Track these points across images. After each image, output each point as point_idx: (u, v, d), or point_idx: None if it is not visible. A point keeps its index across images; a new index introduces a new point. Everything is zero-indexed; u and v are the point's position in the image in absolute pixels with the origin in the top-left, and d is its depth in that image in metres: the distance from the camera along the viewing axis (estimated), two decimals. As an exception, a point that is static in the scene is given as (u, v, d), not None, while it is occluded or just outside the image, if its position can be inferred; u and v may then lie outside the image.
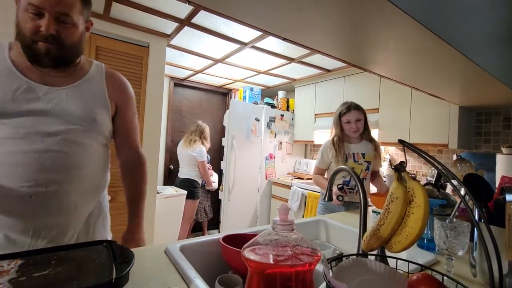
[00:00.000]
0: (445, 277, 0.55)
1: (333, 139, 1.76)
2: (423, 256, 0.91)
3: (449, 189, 1.30)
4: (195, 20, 1.93)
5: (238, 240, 0.89)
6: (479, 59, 0.96)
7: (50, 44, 0.74)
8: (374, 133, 2.79)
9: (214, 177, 3.34)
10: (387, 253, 0.69)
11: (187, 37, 2.25)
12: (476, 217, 0.75)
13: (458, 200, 0.99)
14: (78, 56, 0.84)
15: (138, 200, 1.00)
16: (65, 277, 0.53)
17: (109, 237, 0.96)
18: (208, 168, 3.21)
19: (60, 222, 0.78)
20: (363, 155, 1.75)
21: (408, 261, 0.61)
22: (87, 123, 0.82)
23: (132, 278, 0.59)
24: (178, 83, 3.68)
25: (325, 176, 1.85)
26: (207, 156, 3.44)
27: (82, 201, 0.82)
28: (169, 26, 2.09)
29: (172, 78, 3.59)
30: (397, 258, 0.61)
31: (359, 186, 0.85)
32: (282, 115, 3.47)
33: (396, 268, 0.57)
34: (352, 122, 1.71)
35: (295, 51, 2.43)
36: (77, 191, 0.80)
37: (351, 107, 1.73)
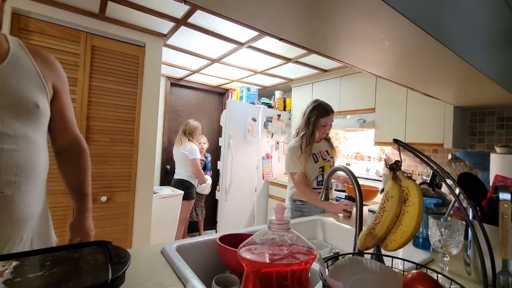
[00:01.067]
0: (439, 275, 0.56)
1: (302, 139, 1.72)
2: (418, 255, 0.92)
3: (444, 188, 1.31)
4: (191, 19, 1.92)
5: (235, 240, 0.89)
6: (473, 59, 0.97)
7: None
8: (370, 133, 2.83)
9: (208, 183, 3.30)
10: (383, 252, 0.69)
11: (184, 36, 2.24)
12: (470, 216, 0.76)
13: (453, 199, 1.00)
14: None
15: (83, 189, 0.91)
16: (60, 278, 0.53)
17: (54, 236, 0.88)
18: (205, 174, 3.20)
19: (15, 227, 0.70)
20: (327, 152, 1.81)
21: (404, 260, 0.61)
22: (30, 112, 0.72)
23: (128, 278, 0.59)
24: (175, 83, 3.67)
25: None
26: (206, 156, 3.43)
27: (36, 201, 0.76)
28: (165, 26, 2.08)
29: (168, 77, 3.58)
30: (392, 257, 0.62)
31: (355, 185, 0.85)
32: (279, 115, 3.48)
33: (392, 267, 0.58)
34: (328, 126, 1.74)
35: (291, 51, 2.43)
36: (31, 192, 0.74)
37: (329, 111, 1.73)
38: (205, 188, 3.28)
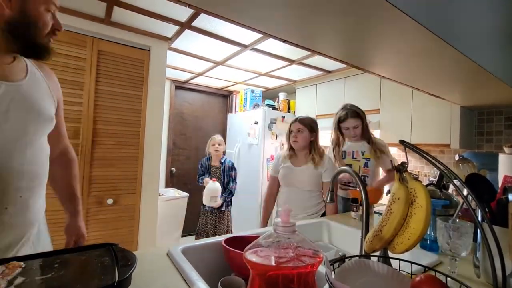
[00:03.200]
0: (448, 278, 0.55)
1: (332, 143, 1.87)
2: (426, 257, 0.91)
3: (451, 190, 1.29)
4: (195, 23, 1.94)
5: (240, 242, 0.89)
6: (480, 58, 0.96)
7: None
8: (375, 134, 2.80)
9: (209, 187, 2.45)
10: (390, 254, 0.68)
11: (188, 40, 2.26)
12: (479, 218, 0.75)
13: (461, 200, 0.99)
14: None
15: (74, 194, 0.99)
16: (68, 280, 0.54)
17: (49, 238, 0.92)
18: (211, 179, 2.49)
19: (28, 228, 0.76)
20: (362, 152, 1.82)
21: (411, 262, 0.61)
22: (47, 123, 0.78)
23: (135, 280, 0.60)
24: (179, 86, 3.69)
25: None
26: (222, 161, 2.63)
27: (42, 205, 0.82)
28: (169, 29, 2.10)
29: (173, 81, 3.61)
30: (400, 259, 0.61)
31: (360, 185, 0.84)
32: (283, 117, 3.47)
33: (399, 269, 0.57)
34: (350, 129, 1.79)
35: (295, 53, 2.43)
36: (41, 196, 0.80)
37: (348, 115, 1.78)
38: (205, 194, 2.44)
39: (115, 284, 0.52)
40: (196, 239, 2.59)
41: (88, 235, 2.14)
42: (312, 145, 1.69)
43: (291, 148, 1.74)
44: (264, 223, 1.79)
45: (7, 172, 0.68)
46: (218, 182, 2.49)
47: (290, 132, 1.72)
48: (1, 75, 0.69)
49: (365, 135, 1.82)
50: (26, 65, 0.77)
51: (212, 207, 2.48)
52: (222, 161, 2.61)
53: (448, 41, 0.79)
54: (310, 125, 1.69)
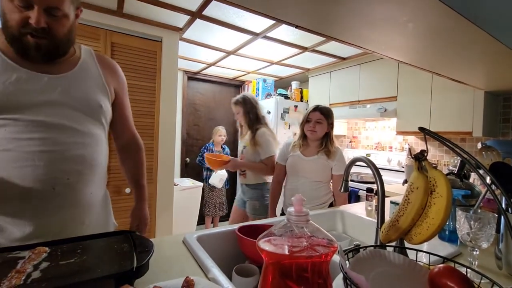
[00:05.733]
0: (469, 270, 0.53)
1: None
2: (444, 248, 0.88)
3: (472, 179, 1.24)
4: (206, 12, 1.91)
5: (254, 231, 0.90)
6: (507, 38, 0.89)
7: (41, 38, 0.68)
8: (392, 122, 2.72)
9: (219, 174, 3.24)
10: (406, 245, 0.67)
11: (199, 29, 2.24)
12: (503, 206, 0.72)
13: (483, 190, 0.95)
14: (70, 47, 0.79)
15: (141, 181, 1.06)
16: (89, 265, 0.56)
17: (113, 220, 0.98)
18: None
19: (79, 211, 0.80)
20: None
21: (429, 253, 0.59)
22: (94, 111, 0.81)
23: (152, 266, 0.62)
24: (192, 76, 3.70)
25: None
26: (223, 147, 3.50)
27: (97, 190, 0.85)
28: (181, 20, 2.09)
29: (185, 71, 3.62)
30: (417, 250, 0.60)
31: (377, 176, 0.82)
32: (296, 106, 3.42)
33: (416, 260, 0.56)
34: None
35: (308, 40, 2.37)
36: (93, 181, 0.82)
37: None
38: (215, 178, 3.25)
39: (134, 269, 0.54)
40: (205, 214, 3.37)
41: (108, 222, 2.23)
42: (328, 137, 1.64)
43: (303, 137, 1.69)
44: (272, 211, 1.76)
45: (53, 155, 0.72)
46: None
47: (307, 120, 1.65)
48: (45, 70, 0.74)
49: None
50: (79, 58, 0.83)
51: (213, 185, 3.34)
52: (223, 147, 3.49)
53: (471, 19, 0.73)
54: (329, 116, 1.64)
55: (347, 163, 1.01)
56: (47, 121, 0.71)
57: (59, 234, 0.74)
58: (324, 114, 1.62)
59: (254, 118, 1.92)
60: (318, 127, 1.61)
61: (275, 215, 1.73)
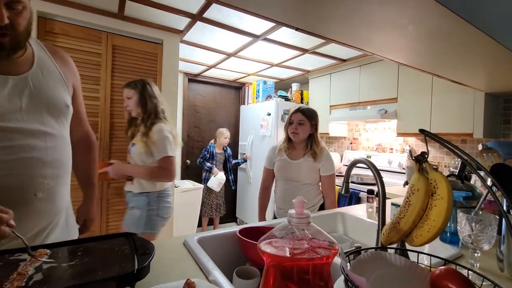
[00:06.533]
0: (470, 272, 0.53)
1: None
2: (446, 250, 0.88)
3: (473, 181, 1.24)
4: (206, 14, 1.92)
5: (254, 233, 0.90)
6: (507, 40, 0.90)
7: (4, 36, 0.63)
8: (392, 124, 2.72)
9: (217, 177, 3.28)
10: (407, 247, 0.67)
11: (200, 32, 2.25)
12: (505, 208, 0.72)
13: (484, 192, 0.94)
14: (28, 39, 0.72)
15: (92, 179, 1.04)
16: (90, 267, 0.56)
17: (75, 223, 0.96)
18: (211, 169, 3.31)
19: (56, 213, 0.80)
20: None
21: (431, 255, 0.59)
22: (62, 112, 0.78)
23: (153, 269, 0.62)
24: (192, 78, 3.71)
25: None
26: (225, 148, 3.49)
27: (68, 190, 0.86)
28: (181, 22, 2.10)
29: (186, 73, 3.63)
30: (418, 252, 0.60)
31: (377, 178, 0.82)
32: (296, 108, 3.43)
33: (418, 262, 0.56)
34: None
35: (308, 42, 2.37)
36: (67, 183, 0.83)
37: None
38: (213, 182, 3.24)
39: (135, 272, 0.54)
40: (203, 216, 3.36)
41: (108, 224, 2.23)
42: (312, 139, 1.59)
43: (288, 140, 1.64)
44: (261, 217, 1.71)
45: (31, 162, 0.70)
46: (222, 164, 3.44)
47: (290, 122, 1.59)
48: (6, 70, 0.68)
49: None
50: (33, 53, 0.75)
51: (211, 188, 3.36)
52: (225, 149, 3.48)
53: (471, 22, 0.73)
54: (312, 118, 1.57)
55: (348, 164, 1.01)
56: (21, 127, 0.68)
57: (35, 237, 0.74)
58: (306, 115, 1.56)
59: (151, 110, 1.53)
60: (301, 129, 1.55)
61: (264, 220, 1.71)
